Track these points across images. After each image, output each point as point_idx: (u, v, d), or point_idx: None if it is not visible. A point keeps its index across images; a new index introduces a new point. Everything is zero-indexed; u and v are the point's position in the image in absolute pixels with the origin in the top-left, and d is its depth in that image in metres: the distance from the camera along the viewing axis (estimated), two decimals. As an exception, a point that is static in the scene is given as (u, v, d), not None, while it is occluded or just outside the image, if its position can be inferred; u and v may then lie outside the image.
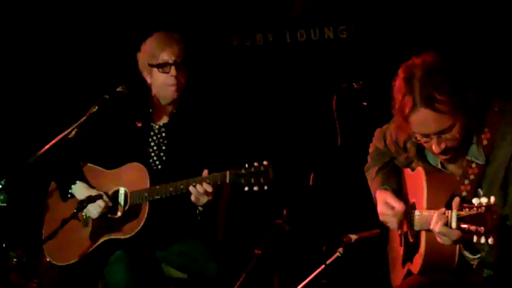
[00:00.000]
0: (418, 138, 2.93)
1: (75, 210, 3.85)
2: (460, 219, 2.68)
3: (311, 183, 3.51)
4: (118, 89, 3.96)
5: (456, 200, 2.74)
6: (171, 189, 3.79)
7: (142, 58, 4.00)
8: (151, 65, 3.94)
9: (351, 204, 4.70)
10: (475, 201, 2.65)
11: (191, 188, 3.74)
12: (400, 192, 3.28)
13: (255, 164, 3.68)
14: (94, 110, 3.86)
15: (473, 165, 2.93)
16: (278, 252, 4.25)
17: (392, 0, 4.77)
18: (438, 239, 2.81)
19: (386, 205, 3.22)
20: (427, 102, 2.81)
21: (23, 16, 5.15)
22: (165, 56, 3.92)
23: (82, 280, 4.04)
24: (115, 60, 5.09)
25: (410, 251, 3.16)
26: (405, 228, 3.22)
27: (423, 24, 4.61)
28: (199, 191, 3.73)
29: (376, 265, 3.57)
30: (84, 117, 3.85)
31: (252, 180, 3.67)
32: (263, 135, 4.93)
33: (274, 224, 3.55)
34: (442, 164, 3.07)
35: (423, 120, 2.85)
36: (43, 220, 4.10)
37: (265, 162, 3.67)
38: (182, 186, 3.77)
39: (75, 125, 3.85)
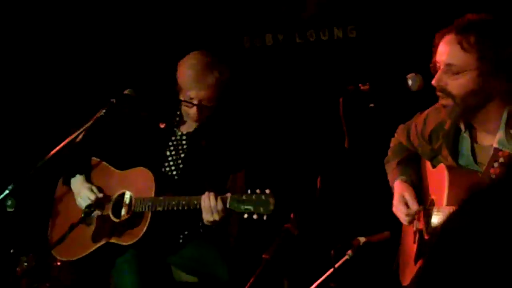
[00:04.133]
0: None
1: (82, 215, 3.86)
2: None
3: (318, 186, 3.48)
4: (125, 92, 3.93)
5: None
6: (173, 202, 3.73)
7: (178, 74, 3.94)
8: (180, 90, 3.92)
9: (360, 207, 4.68)
10: None
11: (202, 199, 3.66)
12: (419, 186, 3.27)
13: (257, 191, 3.61)
14: (102, 114, 3.85)
15: (500, 156, 2.92)
16: (287, 256, 4.23)
17: (401, 1, 4.74)
18: None
19: (402, 200, 3.23)
20: (459, 32, 2.86)
21: (32, 22, 5.15)
22: (192, 95, 3.87)
23: (94, 283, 4.02)
24: (123, 64, 5.08)
25: (425, 248, 3.14)
26: (420, 226, 3.20)
27: (434, 23, 4.56)
28: (211, 204, 3.64)
29: (385, 268, 3.54)
30: (91, 121, 3.85)
31: (252, 209, 3.60)
32: (271, 137, 4.90)
33: (282, 228, 3.53)
34: (473, 153, 3.03)
35: (444, 42, 2.91)
36: (49, 220, 4.11)
37: (267, 191, 3.61)
38: (184, 202, 3.72)
39: (82, 129, 3.85)
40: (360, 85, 3.26)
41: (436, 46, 2.97)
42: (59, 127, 4.31)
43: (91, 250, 3.92)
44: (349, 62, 4.82)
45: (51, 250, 4.03)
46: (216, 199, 3.64)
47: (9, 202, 4.14)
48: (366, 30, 4.86)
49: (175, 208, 3.73)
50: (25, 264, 4.27)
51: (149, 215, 3.80)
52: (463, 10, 4.51)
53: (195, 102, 3.87)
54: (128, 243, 3.83)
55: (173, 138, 4.01)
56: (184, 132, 4.02)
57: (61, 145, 3.80)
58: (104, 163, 4.05)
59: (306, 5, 5.03)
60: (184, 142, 4.00)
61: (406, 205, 3.21)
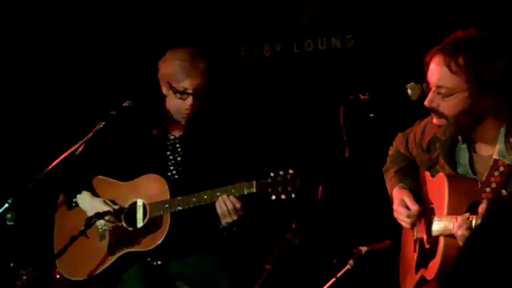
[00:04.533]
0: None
1: (83, 227, 3.82)
2: None
3: (320, 195, 3.48)
4: (125, 104, 3.94)
5: (483, 205, 2.78)
6: (194, 199, 3.75)
7: (164, 71, 3.94)
8: (171, 86, 3.91)
9: (361, 216, 4.67)
10: None
11: (217, 205, 3.70)
12: (418, 195, 3.27)
13: (281, 173, 3.68)
14: (101, 126, 3.85)
15: (500, 166, 2.94)
16: (289, 266, 4.22)
17: (400, 9, 4.75)
18: (461, 244, 2.83)
19: (402, 204, 3.23)
20: (447, 53, 2.89)
21: (28, 35, 5.15)
22: (186, 85, 3.87)
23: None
24: (122, 76, 5.08)
25: (425, 257, 3.14)
26: (421, 235, 3.20)
27: (432, 32, 4.57)
28: (228, 207, 3.69)
29: (387, 277, 3.54)
30: (91, 133, 3.84)
31: (280, 189, 3.67)
32: (271, 146, 4.91)
33: (284, 237, 3.53)
34: (471, 163, 3.06)
35: (434, 64, 2.94)
36: (53, 235, 4.06)
37: (290, 171, 3.68)
38: (206, 197, 3.74)
39: (82, 141, 3.84)
40: (360, 94, 3.27)
41: (427, 65, 3.01)
42: (59, 139, 4.30)
43: (109, 264, 3.89)
44: (348, 72, 4.83)
45: (53, 262, 3.99)
46: (229, 198, 3.69)
47: (9, 216, 4.14)
48: (364, 40, 4.87)
49: (196, 205, 3.74)
50: (25, 277, 4.26)
51: (169, 218, 3.80)
52: (460, 18, 4.56)
53: (190, 91, 3.86)
54: (150, 247, 3.82)
55: (167, 143, 4.01)
56: (177, 136, 4.02)
57: (61, 157, 3.79)
58: (106, 178, 4.02)
59: (303, 14, 5.04)
60: (178, 145, 4.00)
61: (407, 207, 3.21)
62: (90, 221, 3.84)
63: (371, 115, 3.29)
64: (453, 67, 2.89)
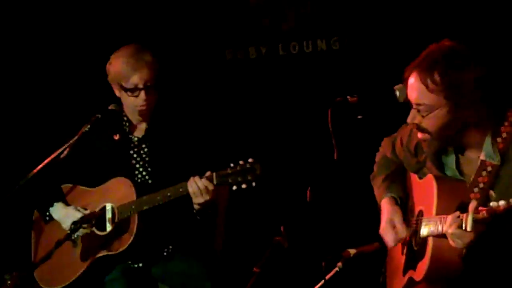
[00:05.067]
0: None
1: (68, 231, 3.81)
2: (476, 222, 2.75)
3: (308, 198, 3.47)
4: (110, 107, 3.97)
5: (473, 203, 2.78)
6: (158, 197, 3.75)
7: (112, 72, 3.93)
8: (121, 86, 3.89)
9: (350, 218, 4.68)
10: (492, 204, 2.72)
11: (189, 184, 3.68)
12: (406, 200, 3.29)
13: (241, 162, 3.65)
14: (86, 129, 3.87)
15: (488, 166, 2.97)
16: (278, 269, 4.21)
17: (386, 10, 4.76)
18: (451, 242, 2.86)
19: (391, 225, 3.23)
20: (422, 71, 2.93)
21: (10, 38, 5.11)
22: (135, 80, 3.86)
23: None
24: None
25: (414, 259, 3.15)
26: (409, 237, 3.21)
27: (418, 33, 4.60)
28: (200, 187, 3.67)
29: (376, 279, 3.54)
30: (76, 137, 3.85)
31: (239, 179, 3.64)
32: (258, 150, 4.89)
33: (272, 241, 3.52)
34: (458, 166, 3.08)
35: (411, 82, 2.97)
36: (31, 244, 4.08)
37: (250, 160, 3.65)
38: (169, 194, 3.74)
39: (67, 145, 3.84)
40: (348, 96, 3.27)
41: (406, 81, 3.03)
42: (42, 144, 4.28)
43: (83, 270, 3.90)
44: (335, 74, 4.84)
45: (35, 268, 3.99)
46: (201, 180, 3.67)
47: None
48: (350, 42, 4.87)
49: (161, 202, 3.74)
50: (9, 282, 4.22)
51: (136, 218, 3.80)
52: (446, 21, 4.58)
53: (141, 86, 3.85)
54: (119, 250, 3.82)
55: (131, 145, 3.99)
56: (140, 136, 4.00)
57: (45, 161, 3.78)
58: (75, 186, 4.04)
59: (287, 17, 5.04)
60: (143, 145, 3.99)
61: (394, 227, 3.22)
62: (76, 225, 3.82)
63: (359, 117, 3.30)
64: (430, 85, 2.92)
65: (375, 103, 3.21)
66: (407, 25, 4.68)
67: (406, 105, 3.10)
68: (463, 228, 2.79)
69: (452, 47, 2.98)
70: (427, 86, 2.93)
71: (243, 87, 5.05)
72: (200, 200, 3.70)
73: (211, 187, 3.68)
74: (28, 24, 5.09)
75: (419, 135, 3.06)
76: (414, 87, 2.98)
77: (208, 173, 3.70)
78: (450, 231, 2.84)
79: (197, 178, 3.68)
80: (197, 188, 3.68)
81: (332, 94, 3.48)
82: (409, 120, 3.04)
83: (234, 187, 3.66)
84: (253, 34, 5.06)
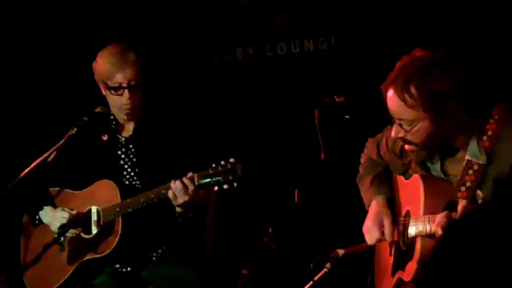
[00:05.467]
0: None
1: (56, 235, 3.80)
2: None
3: (296, 199, 3.47)
4: (97, 110, 3.94)
5: (463, 202, 2.80)
6: (141, 199, 3.73)
7: (97, 71, 3.91)
8: (106, 85, 3.88)
9: (338, 219, 4.67)
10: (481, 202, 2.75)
11: (171, 185, 3.66)
12: (393, 201, 3.28)
13: (222, 162, 3.62)
14: (73, 132, 3.84)
15: (474, 164, 2.96)
16: (266, 270, 4.21)
17: (373, 9, 4.76)
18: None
19: (378, 223, 3.21)
20: (399, 86, 2.90)
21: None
22: (119, 79, 3.83)
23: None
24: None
25: (402, 259, 3.14)
26: (396, 238, 3.20)
27: (405, 34, 4.60)
28: (178, 187, 3.63)
29: (364, 279, 3.54)
30: (63, 140, 3.83)
31: (221, 179, 3.60)
32: (246, 151, 4.89)
33: (260, 242, 3.51)
34: (443, 167, 3.07)
35: (389, 99, 2.95)
36: (20, 248, 4.06)
37: (231, 160, 3.61)
38: (152, 195, 3.72)
39: (53, 148, 3.83)
40: (335, 97, 3.26)
41: (384, 97, 3.01)
42: (29, 148, 4.26)
43: (69, 273, 3.88)
44: (322, 74, 4.83)
45: (24, 272, 3.96)
46: (183, 182, 3.63)
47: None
48: (337, 42, 4.87)
49: (145, 204, 3.72)
50: (-2, 287, 4.20)
51: (120, 221, 3.78)
52: (434, 20, 4.59)
53: (124, 85, 3.82)
54: (105, 252, 3.80)
55: (119, 146, 3.97)
56: (127, 136, 3.98)
57: (30, 167, 3.77)
58: (62, 189, 4.02)
59: (275, 17, 5.03)
60: (131, 146, 3.97)
61: (382, 229, 3.20)
62: (64, 229, 3.81)
63: (347, 117, 3.30)
64: (408, 100, 2.90)
65: (363, 103, 3.21)
66: (394, 25, 4.68)
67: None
68: None
69: (425, 57, 2.95)
70: (405, 102, 2.91)
71: (231, 88, 5.04)
72: (180, 201, 3.66)
73: (191, 188, 3.65)
74: (9, 26, 5.06)
75: (406, 147, 3.05)
76: (393, 103, 2.95)
77: (189, 174, 3.67)
78: (439, 230, 2.84)
79: (178, 180, 3.65)
80: (177, 188, 3.65)
81: (319, 94, 3.48)
82: (393, 135, 3.02)
83: (216, 188, 3.64)
84: (240, 35, 5.05)
